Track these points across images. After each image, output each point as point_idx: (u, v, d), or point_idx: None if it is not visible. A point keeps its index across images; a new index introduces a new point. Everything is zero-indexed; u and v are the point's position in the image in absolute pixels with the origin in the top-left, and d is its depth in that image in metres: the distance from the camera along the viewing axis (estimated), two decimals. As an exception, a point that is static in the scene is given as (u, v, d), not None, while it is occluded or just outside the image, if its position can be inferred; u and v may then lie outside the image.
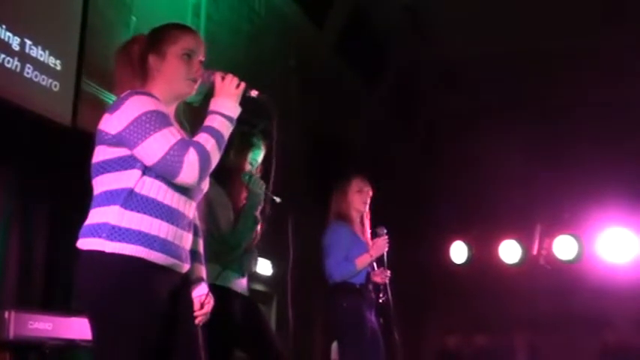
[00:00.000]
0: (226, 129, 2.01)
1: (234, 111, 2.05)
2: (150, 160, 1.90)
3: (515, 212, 7.67)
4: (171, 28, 2.14)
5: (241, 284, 3.10)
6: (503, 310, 7.85)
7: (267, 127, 2.30)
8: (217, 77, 2.08)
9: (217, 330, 2.83)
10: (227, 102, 2.04)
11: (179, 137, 1.92)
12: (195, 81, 2.09)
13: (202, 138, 1.95)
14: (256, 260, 3.20)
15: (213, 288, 2.88)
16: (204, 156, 1.92)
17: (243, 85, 2.08)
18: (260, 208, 3.08)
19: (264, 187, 3.05)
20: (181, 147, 1.90)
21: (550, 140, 7.67)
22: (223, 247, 2.99)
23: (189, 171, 1.89)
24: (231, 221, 3.04)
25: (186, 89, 2.09)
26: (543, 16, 6.60)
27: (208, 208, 2.97)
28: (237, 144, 3.10)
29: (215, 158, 1.97)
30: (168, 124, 1.94)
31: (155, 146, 1.88)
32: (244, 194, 3.10)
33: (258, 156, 3.18)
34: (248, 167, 3.14)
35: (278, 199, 3.01)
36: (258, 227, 3.11)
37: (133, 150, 1.91)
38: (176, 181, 1.92)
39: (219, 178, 3.02)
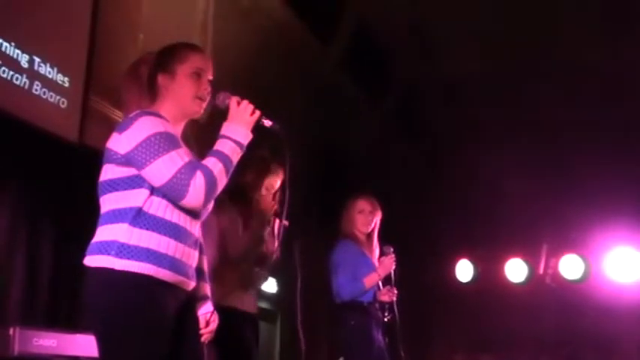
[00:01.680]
0: (236, 155, 2.02)
1: (246, 138, 2.06)
2: (157, 181, 1.91)
3: (521, 231, 7.64)
4: (180, 47, 2.16)
5: (248, 301, 3.10)
6: (509, 329, 7.81)
7: (280, 156, 2.30)
8: (233, 102, 2.08)
9: (231, 353, 2.85)
10: (240, 128, 2.04)
11: (187, 160, 1.93)
12: (203, 100, 2.11)
13: (211, 162, 1.96)
14: (263, 277, 3.20)
15: (221, 309, 2.91)
16: (210, 181, 1.93)
17: (258, 113, 2.09)
18: (268, 228, 3.08)
19: (273, 208, 3.07)
20: (189, 170, 1.91)
21: (556, 158, 7.66)
22: (223, 263, 3.00)
23: (195, 195, 1.91)
24: (239, 238, 3.04)
25: (195, 108, 2.11)
26: (545, 32, 6.63)
27: (219, 228, 2.99)
28: (256, 167, 3.12)
29: (221, 183, 1.98)
30: (177, 146, 1.96)
31: (163, 169, 1.90)
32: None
33: (274, 182, 3.20)
34: (264, 192, 3.16)
35: (286, 223, 3.02)
36: (270, 247, 3.11)
37: (140, 171, 1.92)
38: (182, 203, 1.93)
39: (233, 197, 3.05)
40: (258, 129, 2.10)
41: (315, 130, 6.42)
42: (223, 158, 1.98)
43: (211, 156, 1.98)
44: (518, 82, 7.35)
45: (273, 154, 3.08)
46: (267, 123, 2.13)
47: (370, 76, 7.37)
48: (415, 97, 8.12)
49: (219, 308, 2.85)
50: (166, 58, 2.12)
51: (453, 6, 6.45)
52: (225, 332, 2.81)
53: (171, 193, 1.91)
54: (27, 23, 3.38)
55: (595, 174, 7.27)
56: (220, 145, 2.01)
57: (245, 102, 2.08)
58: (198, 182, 1.90)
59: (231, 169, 2.01)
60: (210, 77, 2.14)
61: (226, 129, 2.05)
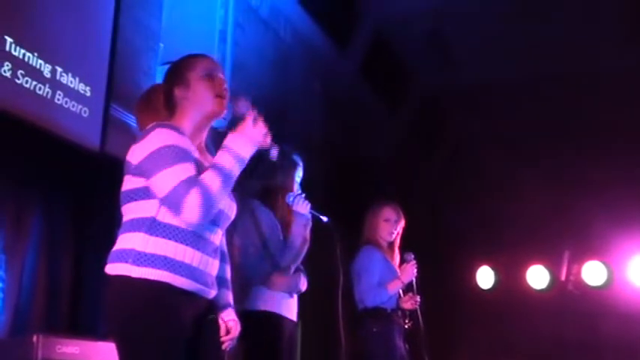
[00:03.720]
0: (237, 170, 1.98)
1: (250, 154, 2.01)
2: (159, 193, 1.92)
3: (543, 237, 7.57)
4: (185, 58, 2.18)
5: (291, 307, 3.08)
6: (531, 336, 7.72)
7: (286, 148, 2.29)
8: (250, 117, 2.03)
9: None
10: (247, 144, 2.00)
11: (189, 175, 1.90)
12: (223, 97, 2.10)
13: (209, 178, 1.92)
14: (305, 280, 3.19)
15: (261, 314, 2.88)
16: (206, 197, 1.89)
17: (268, 139, 2.04)
18: (309, 228, 3.06)
19: (309, 206, 3.05)
20: (186, 187, 1.88)
21: (577, 164, 7.58)
22: (273, 269, 2.99)
23: (189, 212, 1.88)
24: (281, 243, 3.03)
25: (218, 107, 2.09)
26: (567, 40, 6.57)
27: (257, 231, 2.98)
28: (283, 164, 3.09)
29: (220, 198, 1.94)
30: (185, 159, 1.93)
31: (164, 181, 1.90)
32: (292, 215, 3.09)
33: (301, 172, 3.18)
34: (296, 187, 3.13)
35: (325, 219, 3.00)
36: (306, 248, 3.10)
37: (147, 181, 1.94)
38: (179, 218, 1.91)
39: (267, 200, 3.04)
40: (260, 151, 2.06)
41: (333, 136, 6.41)
42: (223, 173, 1.94)
43: (212, 169, 1.95)
44: (538, 91, 7.29)
45: (290, 147, 3.07)
46: (273, 153, 2.10)
47: (389, 85, 7.36)
48: (434, 105, 8.09)
49: (263, 314, 2.85)
50: (176, 72, 2.13)
51: (472, 14, 6.42)
52: (266, 339, 2.82)
53: (169, 207, 1.91)
54: (49, 34, 3.41)
55: (618, 179, 7.19)
56: (222, 159, 1.97)
57: (261, 122, 2.04)
58: (191, 201, 1.87)
59: (232, 184, 1.98)
60: (222, 76, 2.14)
61: (233, 140, 2.00)
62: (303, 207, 3.03)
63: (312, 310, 3.20)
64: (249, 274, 2.98)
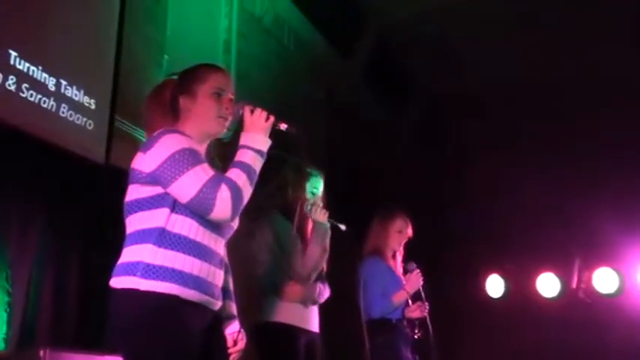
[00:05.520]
0: (258, 163, 2.05)
1: (265, 145, 2.09)
2: (184, 197, 1.94)
3: (553, 244, 7.54)
4: (200, 68, 2.20)
5: (308, 317, 3.09)
6: (541, 345, 7.68)
7: (297, 159, 2.33)
8: (246, 111, 2.11)
9: None
10: (257, 136, 2.07)
11: (211, 174, 1.96)
12: (226, 119, 2.13)
13: (234, 174, 1.99)
14: (326, 290, 3.21)
15: (275, 326, 2.89)
16: (236, 192, 1.95)
17: (272, 118, 2.12)
18: (328, 237, 3.09)
19: (327, 215, 3.08)
20: (214, 184, 1.93)
21: (587, 169, 7.56)
22: (291, 279, 3.02)
23: (222, 207, 1.93)
24: (299, 253, 3.06)
25: (218, 128, 2.14)
26: (574, 43, 6.58)
27: (276, 242, 3.01)
28: (293, 178, 3.14)
29: (247, 193, 2.00)
30: (201, 161, 1.99)
31: (189, 184, 1.92)
32: (311, 225, 3.12)
33: (318, 184, 3.22)
34: (308, 197, 3.17)
35: (343, 227, 3.03)
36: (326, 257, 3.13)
37: (167, 188, 1.95)
38: (210, 217, 1.95)
39: (285, 211, 3.07)
40: (275, 133, 2.13)
41: (337, 143, 6.43)
42: (246, 168, 2.01)
43: (234, 167, 2.01)
44: (545, 94, 7.28)
45: (305, 157, 3.11)
46: (283, 126, 2.16)
47: (392, 91, 7.38)
48: (439, 109, 8.10)
49: (277, 326, 2.86)
50: (187, 80, 2.16)
51: (477, 17, 6.44)
52: (281, 351, 2.82)
53: (198, 208, 1.94)
54: (53, 47, 3.45)
55: (630, 185, 7.16)
56: (241, 156, 2.04)
57: (258, 109, 2.11)
58: (224, 195, 1.93)
59: (255, 178, 2.04)
60: (232, 96, 2.17)
61: (245, 139, 2.08)
62: (321, 215, 3.07)
63: (324, 319, 3.20)
64: (263, 285, 3.01)
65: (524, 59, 6.88)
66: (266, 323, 2.97)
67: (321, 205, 3.12)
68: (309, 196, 3.17)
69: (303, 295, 3.05)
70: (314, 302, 3.13)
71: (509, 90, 7.37)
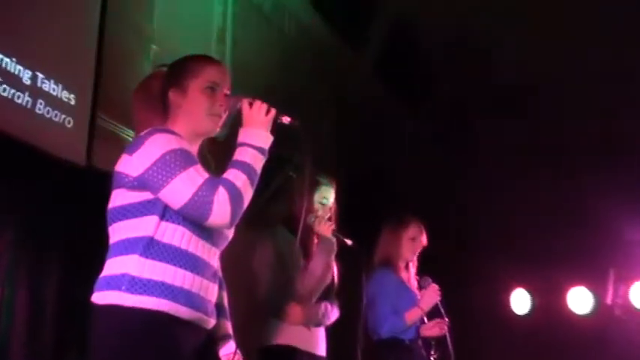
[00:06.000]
0: (259, 162, 2.03)
1: (266, 141, 2.07)
2: (177, 203, 1.92)
3: (585, 255, 7.51)
4: (192, 59, 2.18)
5: (313, 340, 3.08)
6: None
7: (300, 159, 2.32)
8: (245, 104, 2.09)
9: None
10: (257, 132, 2.05)
11: (206, 176, 1.95)
12: (220, 116, 2.12)
13: (232, 174, 1.97)
14: (334, 311, 3.19)
15: (276, 349, 2.89)
16: (234, 194, 1.93)
17: (273, 111, 2.10)
18: (333, 254, 3.08)
19: (332, 228, 3.07)
20: (210, 186, 1.92)
21: (623, 174, 7.53)
22: (291, 298, 3.01)
23: (220, 212, 1.91)
24: (300, 269, 3.05)
25: (211, 126, 2.12)
26: (602, 37, 6.56)
27: (277, 258, 3.00)
28: (298, 182, 3.12)
29: (247, 195, 1.98)
30: (194, 162, 1.97)
31: (182, 188, 1.91)
32: (316, 239, 3.12)
33: (328, 194, 3.20)
34: (316, 207, 3.16)
35: (350, 242, 3.02)
36: (335, 274, 3.11)
37: (157, 193, 1.94)
38: (207, 223, 1.93)
39: (288, 224, 3.06)
40: (277, 128, 2.11)
41: (347, 143, 6.42)
42: (245, 168, 1.99)
43: (232, 167, 1.99)
44: (577, 93, 7.26)
45: (317, 165, 3.10)
46: (286, 120, 2.14)
47: (409, 84, 7.37)
48: (460, 106, 8.08)
49: (278, 349, 2.86)
50: (178, 73, 2.15)
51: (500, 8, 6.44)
52: None
53: (193, 214, 1.92)
54: (28, 36, 3.44)
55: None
56: (240, 154, 2.02)
57: (258, 102, 2.09)
58: (221, 198, 1.91)
59: (256, 178, 2.02)
60: (227, 91, 2.16)
61: (244, 135, 2.05)
62: (325, 228, 3.05)
63: (330, 341, 3.20)
64: (264, 305, 3.00)
65: (549, 55, 6.86)
66: (268, 347, 2.96)
67: (325, 217, 3.10)
68: (317, 206, 3.16)
69: (305, 317, 3.04)
70: (318, 324, 3.11)
71: (548, 87, 7.34)
